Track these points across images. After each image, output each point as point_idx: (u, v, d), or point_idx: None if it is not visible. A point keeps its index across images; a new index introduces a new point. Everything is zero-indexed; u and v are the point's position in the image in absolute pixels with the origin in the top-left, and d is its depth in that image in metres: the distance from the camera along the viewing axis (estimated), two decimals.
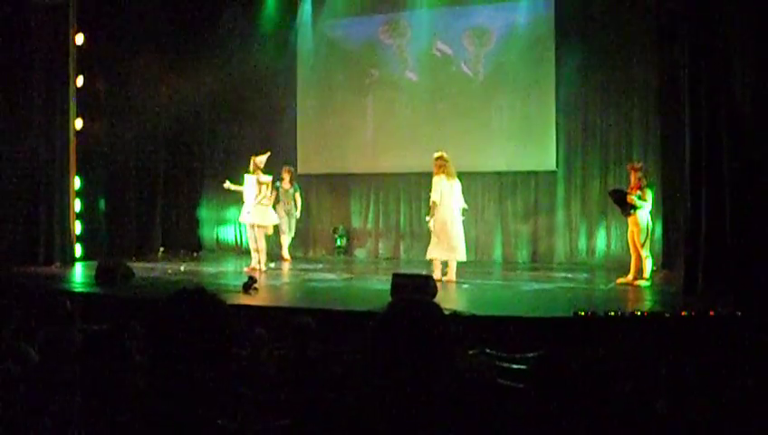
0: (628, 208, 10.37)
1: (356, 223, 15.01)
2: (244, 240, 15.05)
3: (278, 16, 15.12)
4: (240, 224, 14.17)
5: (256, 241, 12.39)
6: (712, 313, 7.82)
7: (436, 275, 10.71)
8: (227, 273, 12.62)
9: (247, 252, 13.38)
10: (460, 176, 11.30)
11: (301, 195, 13.96)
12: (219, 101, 15.49)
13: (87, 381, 3.42)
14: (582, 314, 7.77)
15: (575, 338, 7.32)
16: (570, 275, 11.75)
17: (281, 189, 13.70)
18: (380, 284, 10.57)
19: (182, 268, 12.92)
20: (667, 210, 12.11)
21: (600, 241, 13.13)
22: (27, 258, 12.93)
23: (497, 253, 13.83)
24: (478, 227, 13.71)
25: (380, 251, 14.78)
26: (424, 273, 10.61)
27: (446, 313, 2.22)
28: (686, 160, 9.65)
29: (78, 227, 13.77)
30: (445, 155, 10.99)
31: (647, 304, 9.34)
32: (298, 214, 13.93)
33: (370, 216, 14.89)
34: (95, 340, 3.57)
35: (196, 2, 15.04)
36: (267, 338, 6.07)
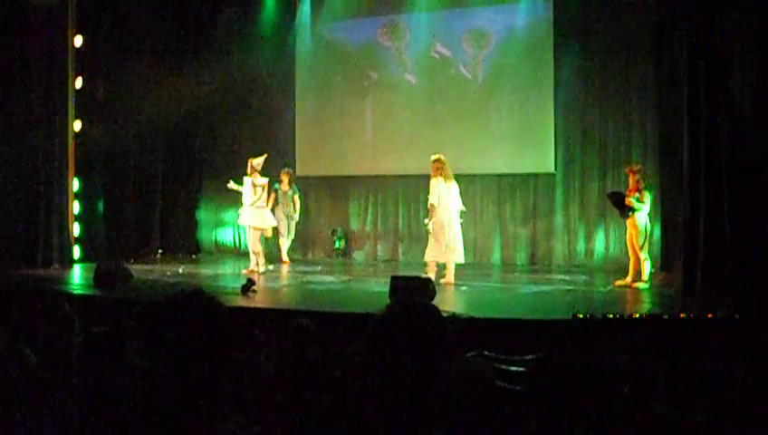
0: (626, 211, 10.37)
1: (354, 225, 15.01)
2: (242, 242, 15.05)
3: (277, 18, 15.13)
4: (239, 226, 14.18)
5: (254, 243, 12.41)
6: (710, 315, 7.81)
7: (431, 276, 10.69)
8: (226, 275, 12.61)
9: (246, 254, 13.39)
10: (459, 178, 11.30)
11: (300, 197, 13.95)
12: (218, 103, 15.49)
13: (86, 383, 3.42)
14: (581, 316, 7.75)
15: (574, 340, 7.31)
16: (568, 278, 11.75)
17: (279, 191, 13.70)
18: (379, 286, 10.57)
19: (180, 270, 12.91)
20: (665, 212, 12.13)
21: (599, 243, 13.14)
22: (26, 260, 12.91)
23: (496, 255, 13.83)
24: (477, 230, 13.72)
25: (379, 253, 14.78)
26: (423, 275, 10.60)
27: (445, 315, 2.23)
28: (684, 162, 9.65)
29: (76, 229, 13.76)
30: (442, 157, 10.99)
31: (645, 306, 9.34)
32: (297, 216, 13.92)
33: (369, 218, 14.89)
34: (94, 341, 3.58)
35: (194, 4, 15.05)
36: (265, 340, 6.07)
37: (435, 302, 8.15)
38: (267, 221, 12.46)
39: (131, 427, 2.09)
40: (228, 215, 15.04)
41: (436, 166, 10.93)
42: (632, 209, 10.27)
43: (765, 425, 3.74)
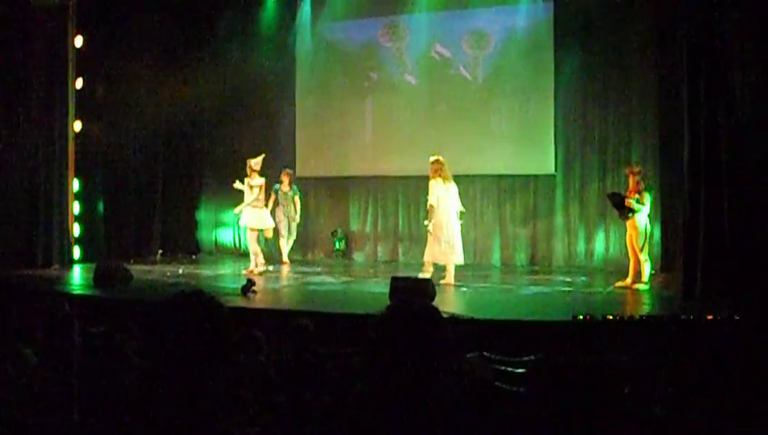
0: (626, 212, 10.37)
1: (355, 226, 15.01)
2: (242, 243, 15.05)
3: (277, 18, 15.14)
4: (238, 227, 14.18)
5: (251, 243, 12.44)
6: (710, 316, 7.81)
7: (427, 276, 10.69)
8: (226, 275, 12.62)
9: (246, 255, 13.39)
10: (459, 179, 11.31)
11: (300, 198, 13.95)
12: (218, 104, 15.49)
13: (85, 383, 3.42)
14: (581, 317, 7.76)
15: (573, 341, 7.31)
16: (568, 279, 11.75)
17: (280, 192, 13.69)
18: (379, 287, 10.57)
19: (180, 271, 12.91)
20: (665, 213, 12.13)
21: (599, 244, 13.14)
22: (26, 260, 12.91)
23: (496, 256, 13.84)
24: (477, 231, 13.73)
25: (379, 254, 14.78)
26: (422, 276, 10.61)
27: (445, 316, 2.23)
28: (684, 164, 9.65)
29: (77, 230, 13.76)
30: (441, 159, 11.00)
31: (645, 307, 9.35)
32: (298, 218, 13.90)
33: (369, 219, 14.89)
34: (93, 342, 3.58)
35: (195, 4, 15.05)
36: (265, 341, 6.07)
37: (435, 303, 8.14)
38: (264, 221, 12.42)
39: (131, 427, 2.09)
40: (228, 215, 15.04)
41: (434, 167, 10.95)
42: (632, 210, 10.27)
43: (765, 426, 3.74)
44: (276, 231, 13.36)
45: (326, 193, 15.20)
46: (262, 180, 12.25)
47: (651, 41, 12.38)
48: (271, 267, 13.13)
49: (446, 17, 14.10)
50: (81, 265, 13.30)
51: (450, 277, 10.88)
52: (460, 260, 11.02)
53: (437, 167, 10.94)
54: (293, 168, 14.53)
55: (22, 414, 3.54)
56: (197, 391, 2.02)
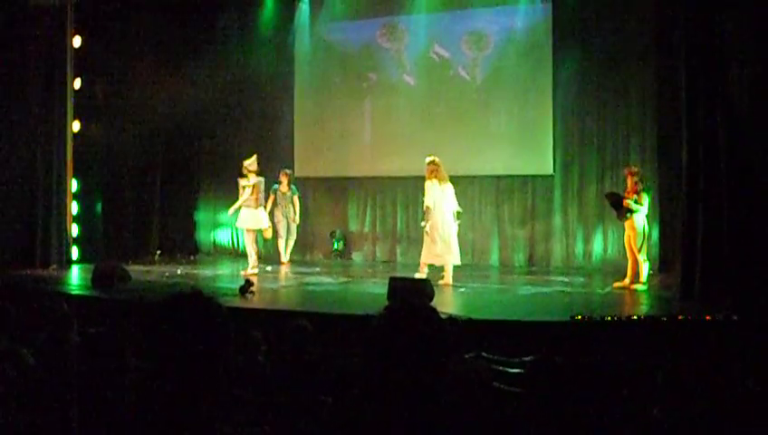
0: (623, 212, 10.38)
1: (353, 226, 15.01)
2: (240, 243, 15.05)
3: (276, 19, 15.13)
4: (236, 227, 14.16)
5: (246, 244, 12.45)
6: (709, 317, 7.82)
7: (423, 277, 10.70)
8: (224, 276, 12.62)
9: (244, 255, 13.39)
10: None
11: (299, 198, 13.95)
12: (217, 104, 15.48)
13: (84, 384, 3.42)
14: (579, 317, 7.77)
15: (572, 342, 7.32)
16: (566, 279, 11.75)
17: (279, 193, 13.69)
18: (377, 287, 10.57)
19: (179, 271, 12.91)
20: (663, 214, 12.14)
21: (597, 245, 13.14)
22: (24, 260, 12.91)
23: (494, 257, 13.83)
24: (475, 231, 13.73)
25: (377, 255, 14.78)
26: (421, 276, 10.61)
27: (443, 316, 2.23)
28: (683, 164, 9.66)
29: (75, 230, 13.76)
30: (436, 160, 11.01)
31: (643, 308, 9.35)
32: (297, 218, 13.90)
33: (368, 219, 14.89)
34: (92, 342, 3.58)
35: (193, 4, 15.04)
36: (264, 341, 6.06)
37: (433, 303, 8.14)
38: (259, 222, 12.36)
39: (130, 428, 2.09)
40: (226, 216, 15.02)
41: (430, 168, 10.96)
42: (630, 211, 10.28)
43: (765, 427, 3.75)
44: (275, 232, 13.35)
45: (324, 194, 15.19)
46: (254, 180, 12.18)
47: (650, 42, 12.38)
48: (269, 268, 13.13)
49: (445, 18, 14.10)
50: (79, 266, 13.29)
51: (448, 278, 10.88)
52: (457, 260, 11.03)
53: (433, 168, 10.95)
54: (292, 168, 14.53)
55: (20, 414, 3.54)
56: (196, 392, 2.02)
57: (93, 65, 13.72)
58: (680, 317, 7.94)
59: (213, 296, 2.17)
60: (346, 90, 14.92)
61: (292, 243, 14.02)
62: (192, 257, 15.36)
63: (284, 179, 13.78)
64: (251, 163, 12.22)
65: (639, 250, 10.30)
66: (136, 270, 12.18)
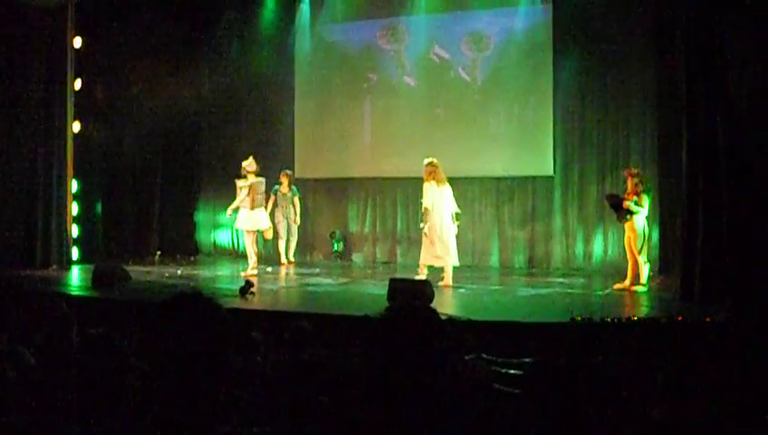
0: (623, 214, 10.38)
1: (353, 227, 15.01)
2: (240, 244, 15.04)
3: (276, 20, 15.14)
4: (237, 228, 14.16)
5: (245, 245, 12.47)
6: (709, 318, 7.82)
7: (422, 278, 10.70)
8: (224, 277, 12.61)
9: (244, 256, 13.39)
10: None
11: (300, 199, 13.96)
12: (217, 105, 15.50)
13: (84, 384, 3.42)
14: (579, 319, 7.76)
15: (572, 343, 7.31)
16: (566, 281, 11.76)
17: (279, 193, 13.70)
18: (377, 288, 10.58)
19: (179, 272, 12.91)
20: (664, 215, 12.14)
21: (597, 246, 13.13)
22: (24, 261, 12.92)
23: (494, 258, 13.83)
24: (475, 232, 13.73)
25: (377, 256, 14.78)
26: (420, 277, 10.61)
27: (443, 317, 2.23)
28: (683, 165, 9.66)
29: (75, 231, 13.75)
30: (434, 161, 11.01)
31: (643, 309, 9.34)
32: (298, 219, 13.91)
33: (368, 220, 14.89)
34: (92, 343, 3.57)
35: (194, 5, 15.05)
36: (263, 342, 6.07)
37: (433, 304, 8.14)
38: (254, 223, 12.33)
39: (129, 428, 2.09)
40: (226, 217, 15.06)
41: (428, 169, 10.96)
42: (630, 212, 10.28)
43: (764, 427, 3.75)
44: (275, 232, 13.35)
45: (324, 194, 15.19)
46: (246, 181, 12.18)
47: (650, 43, 12.39)
48: (269, 269, 13.13)
49: (445, 19, 14.10)
50: (79, 266, 13.29)
51: (448, 279, 10.88)
52: (455, 262, 11.02)
53: (431, 169, 10.95)
54: (292, 169, 14.53)
55: (20, 415, 3.54)
56: (196, 393, 2.02)
57: (94, 66, 13.73)
58: (680, 319, 7.94)
59: (213, 297, 2.17)
60: (346, 91, 14.92)
61: (293, 244, 14.02)
62: (192, 258, 15.37)
63: (285, 180, 13.79)
64: (249, 164, 12.22)
65: (639, 252, 10.30)
66: (136, 271, 12.19)
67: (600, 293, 10.66)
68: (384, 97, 14.64)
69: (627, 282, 10.46)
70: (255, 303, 9.74)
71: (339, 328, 7.66)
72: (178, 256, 15.20)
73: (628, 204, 10.28)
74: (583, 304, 9.58)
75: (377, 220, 14.82)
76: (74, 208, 13.73)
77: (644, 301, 9.84)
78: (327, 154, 14.93)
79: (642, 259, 10.32)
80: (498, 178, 13.81)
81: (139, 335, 4.70)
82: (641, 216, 10.32)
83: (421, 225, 11.15)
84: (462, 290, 10.74)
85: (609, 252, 12.94)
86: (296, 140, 15.24)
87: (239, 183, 12.23)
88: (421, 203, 11.19)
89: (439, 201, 10.90)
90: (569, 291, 10.78)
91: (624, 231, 10.62)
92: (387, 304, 6.85)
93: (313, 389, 4.64)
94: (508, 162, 13.63)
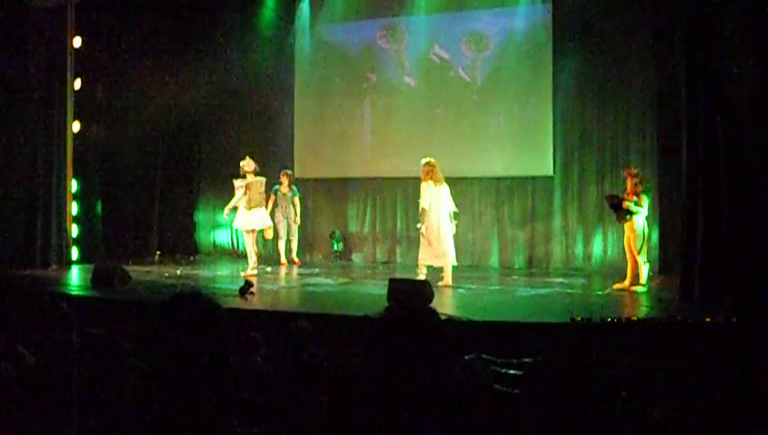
0: (623, 214, 10.37)
1: (353, 227, 15.00)
2: (240, 244, 15.04)
3: (276, 20, 15.13)
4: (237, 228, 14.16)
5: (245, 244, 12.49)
6: (708, 319, 7.82)
7: (421, 278, 10.70)
8: (223, 277, 12.61)
9: (243, 256, 13.38)
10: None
11: (300, 199, 13.95)
12: (217, 105, 15.49)
13: (83, 384, 3.42)
14: (579, 319, 7.76)
15: (571, 344, 7.31)
16: (566, 281, 11.75)
17: (279, 193, 13.70)
18: (377, 288, 10.57)
19: (178, 272, 12.90)
20: (663, 215, 12.14)
21: (597, 247, 13.13)
22: (24, 261, 12.92)
23: (494, 258, 13.82)
24: (475, 232, 13.73)
25: (377, 256, 14.77)
26: (420, 278, 10.61)
27: (443, 318, 2.23)
28: (682, 165, 9.66)
29: (75, 230, 13.75)
30: (432, 160, 10.99)
31: (643, 309, 9.34)
32: (298, 219, 13.91)
33: (367, 220, 14.88)
34: (91, 343, 3.57)
35: (194, 5, 15.04)
36: (263, 342, 6.07)
37: (432, 304, 8.14)
38: (251, 222, 12.31)
39: (129, 428, 2.09)
40: (228, 217, 15.07)
41: (426, 169, 10.94)
42: (630, 213, 10.28)
43: (764, 428, 3.75)
44: (276, 232, 13.35)
45: (324, 194, 15.19)
46: (242, 181, 12.18)
47: (650, 43, 12.38)
48: (269, 269, 13.12)
49: (445, 19, 14.10)
50: (79, 266, 13.29)
51: (448, 279, 10.88)
52: (453, 261, 11.01)
53: (429, 169, 10.93)
54: (292, 169, 14.52)
55: (20, 414, 3.54)
56: (195, 393, 2.02)
57: (94, 66, 13.73)
58: (680, 319, 7.94)
59: (212, 297, 2.17)
60: (346, 91, 14.92)
61: (295, 244, 14.03)
62: (192, 258, 15.36)
63: (285, 180, 13.79)
64: (246, 163, 12.22)
65: (639, 252, 10.29)
66: (135, 271, 12.18)
67: (600, 293, 10.65)
68: (384, 97, 14.64)
69: (626, 282, 10.45)
70: (255, 303, 9.73)
71: (338, 328, 7.65)
72: (178, 256, 15.20)
73: (628, 204, 10.28)
74: (583, 304, 9.58)
75: (376, 220, 14.82)
76: (74, 208, 13.73)
77: (644, 301, 9.83)
78: (327, 154, 14.92)
79: (642, 259, 10.32)
80: (498, 179, 13.80)
81: (138, 335, 4.70)
82: (641, 216, 10.31)
83: (418, 225, 11.15)
84: (461, 290, 10.73)
85: (609, 252, 12.94)
86: (296, 139, 15.24)
87: (236, 183, 12.24)
88: (418, 203, 11.19)
89: (437, 201, 10.89)
90: (568, 291, 10.77)
91: (624, 231, 10.62)
92: (386, 304, 6.85)
93: (313, 389, 4.64)
94: (508, 162, 13.62)
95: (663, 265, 12.18)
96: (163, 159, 15.43)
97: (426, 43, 14.23)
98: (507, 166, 13.64)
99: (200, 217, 16.08)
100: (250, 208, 12.15)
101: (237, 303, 9.47)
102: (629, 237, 10.40)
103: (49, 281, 11.77)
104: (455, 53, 14.09)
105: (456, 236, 11.13)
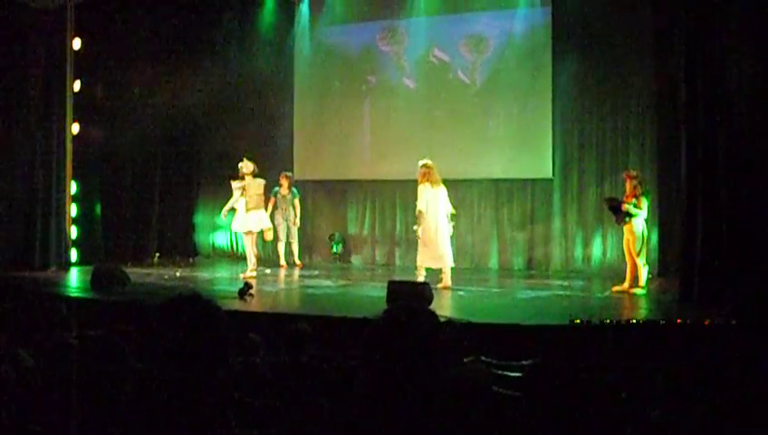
0: (622, 216, 10.37)
1: (352, 229, 15.00)
2: (239, 246, 15.04)
3: (276, 22, 15.14)
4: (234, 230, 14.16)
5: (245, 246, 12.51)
6: (707, 321, 7.82)
7: (420, 280, 10.71)
8: (223, 279, 12.61)
9: (243, 258, 13.38)
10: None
11: (300, 201, 13.95)
12: (216, 107, 15.48)
13: (82, 387, 3.41)
14: (578, 321, 7.76)
15: (571, 346, 7.31)
16: (565, 283, 11.75)
17: (279, 195, 13.70)
18: (376, 290, 10.58)
19: (177, 274, 12.91)
20: (662, 218, 12.14)
21: (596, 249, 13.13)
22: (23, 263, 12.91)
23: (493, 260, 13.82)
24: (474, 235, 13.73)
25: (376, 258, 14.77)
26: (419, 280, 10.61)
27: (442, 320, 2.22)
28: (682, 167, 9.66)
29: (74, 232, 13.74)
30: (429, 163, 11.00)
31: (642, 312, 9.35)
32: (298, 221, 13.91)
33: (366, 222, 14.88)
34: (90, 345, 3.56)
35: (193, 7, 15.04)
36: (262, 344, 6.06)
37: (432, 306, 8.14)
38: (248, 224, 12.31)
39: (128, 430, 2.08)
40: (225, 218, 15.06)
41: (423, 171, 10.95)
42: (629, 215, 10.28)
43: (764, 430, 3.74)
44: (275, 234, 13.35)
45: (323, 196, 15.19)
46: (240, 183, 12.19)
47: (649, 45, 12.39)
48: (268, 270, 13.12)
49: (445, 21, 14.11)
50: (78, 268, 13.29)
51: (447, 280, 10.88)
52: (450, 262, 11.01)
53: (425, 171, 10.94)
54: (291, 171, 14.52)
55: (18, 416, 3.53)
56: (194, 395, 2.02)
57: (93, 67, 13.72)
58: (679, 321, 7.94)
59: (211, 299, 2.17)
60: (346, 93, 14.92)
61: (295, 246, 14.03)
62: (191, 260, 15.37)
63: (285, 182, 13.79)
64: (244, 165, 12.24)
65: (638, 254, 10.30)
66: (135, 272, 12.18)
67: (599, 295, 10.66)
68: (383, 99, 14.64)
69: (626, 284, 10.45)
70: (254, 305, 9.73)
71: (338, 330, 7.65)
72: (177, 258, 15.20)
73: (627, 206, 10.28)
74: (582, 306, 9.59)
75: (376, 222, 14.82)
76: (73, 210, 13.71)
77: (643, 303, 9.84)
78: (326, 156, 14.93)
79: (641, 262, 10.32)
80: (497, 181, 13.80)
81: (137, 337, 4.70)
82: (640, 218, 10.32)
83: (415, 227, 11.16)
84: (461, 292, 10.73)
85: (608, 254, 12.94)
86: (295, 141, 15.24)
87: (234, 184, 12.24)
88: (415, 206, 11.19)
89: (434, 203, 10.89)
90: (568, 293, 10.78)
91: (623, 233, 10.62)
92: (386, 306, 6.85)
93: (312, 391, 4.64)
94: (507, 164, 13.63)
95: (662, 267, 12.18)
96: (162, 161, 15.43)
97: (425, 45, 14.24)
98: (506, 168, 13.64)
99: (199, 218, 16.08)
100: (248, 210, 12.15)
101: (237, 304, 9.46)
102: (629, 240, 10.40)
103: (48, 283, 11.76)
104: (454, 55, 14.10)
105: (454, 238, 11.14)
